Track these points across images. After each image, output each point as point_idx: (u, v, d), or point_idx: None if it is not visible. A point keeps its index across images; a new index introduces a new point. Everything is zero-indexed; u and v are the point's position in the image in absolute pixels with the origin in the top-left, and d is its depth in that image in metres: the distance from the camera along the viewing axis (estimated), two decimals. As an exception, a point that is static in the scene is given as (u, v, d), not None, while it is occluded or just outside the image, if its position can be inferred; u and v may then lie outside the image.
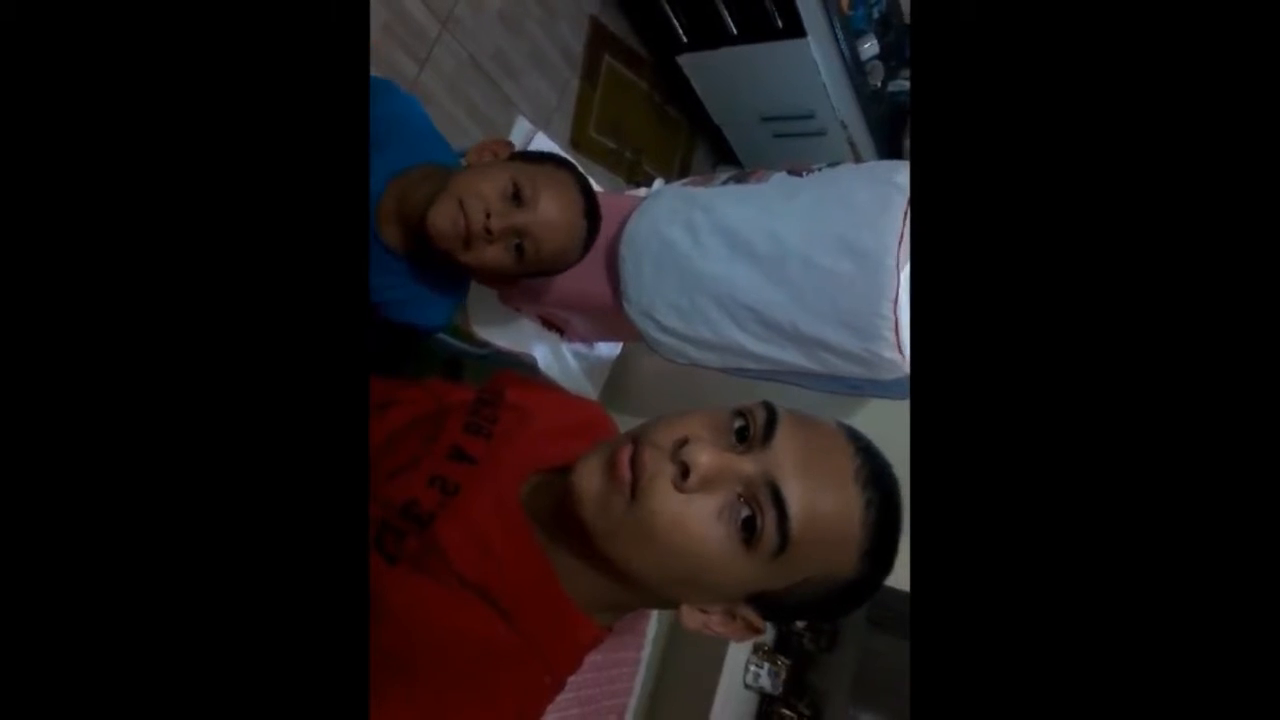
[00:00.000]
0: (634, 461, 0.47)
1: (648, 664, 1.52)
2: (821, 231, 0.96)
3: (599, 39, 2.22)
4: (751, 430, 0.49)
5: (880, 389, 1.03)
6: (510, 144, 0.91)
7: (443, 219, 0.81)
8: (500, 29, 1.92)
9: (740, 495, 0.47)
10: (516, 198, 0.83)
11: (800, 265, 0.97)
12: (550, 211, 0.84)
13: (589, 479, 0.48)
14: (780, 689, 1.57)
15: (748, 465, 0.47)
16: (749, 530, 0.46)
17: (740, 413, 0.50)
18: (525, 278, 0.94)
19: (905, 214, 0.93)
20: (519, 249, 0.84)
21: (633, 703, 1.47)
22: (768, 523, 0.46)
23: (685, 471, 0.46)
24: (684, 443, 0.47)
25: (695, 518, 0.46)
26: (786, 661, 1.58)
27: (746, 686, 1.56)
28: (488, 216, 0.81)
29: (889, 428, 0.62)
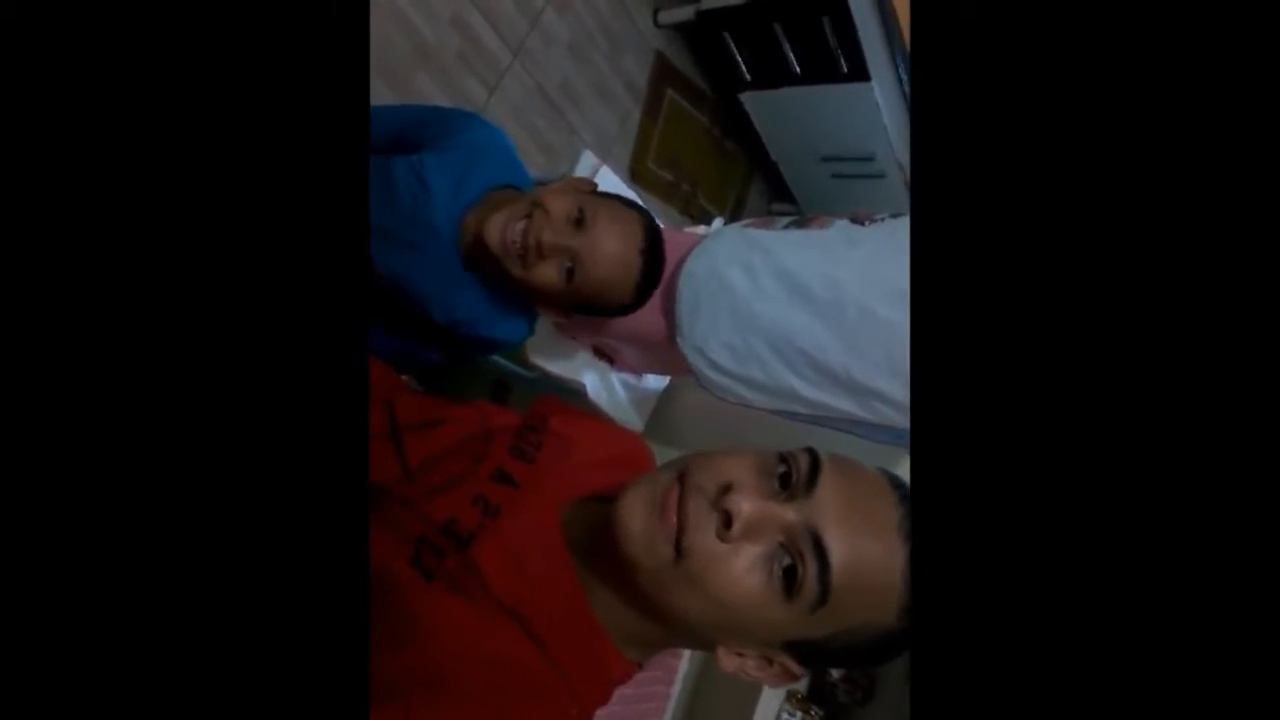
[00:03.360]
0: (679, 508, 0.48)
1: (676, 703, 1.50)
2: (880, 282, 0.96)
3: (663, 73, 2.26)
4: (795, 477, 0.49)
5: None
6: (594, 184, 0.93)
7: (497, 229, 0.83)
8: (568, 60, 1.97)
9: (782, 544, 0.47)
10: (579, 224, 0.84)
11: (858, 314, 0.96)
12: (605, 240, 0.85)
13: (634, 517, 0.49)
14: (811, 739, 1.54)
15: (790, 514, 0.47)
16: (790, 579, 0.46)
17: (784, 458, 0.50)
18: (576, 311, 0.94)
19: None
20: (570, 272, 0.85)
21: (660, 741, 1.45)
22: (809, 574, 0.46)
23: (728, 520, 0.46)
24: (727, 489, 0.47)
25: (739, 568, 0.47)
26: (820, 712, 1.55)
27: (776, 734, 1.52)
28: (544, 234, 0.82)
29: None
